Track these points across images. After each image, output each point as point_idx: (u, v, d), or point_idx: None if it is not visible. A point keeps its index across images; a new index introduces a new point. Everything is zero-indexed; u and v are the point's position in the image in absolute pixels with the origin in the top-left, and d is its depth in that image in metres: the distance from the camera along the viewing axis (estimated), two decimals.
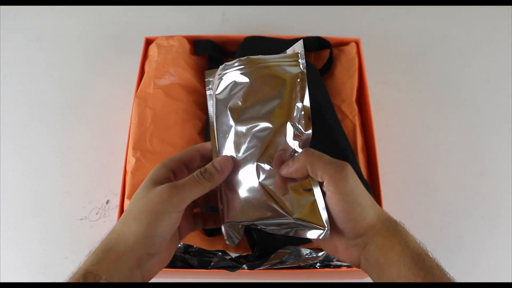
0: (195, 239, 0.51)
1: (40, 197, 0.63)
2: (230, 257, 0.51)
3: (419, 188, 0.65)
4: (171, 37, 0.65)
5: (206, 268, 0.51)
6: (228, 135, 0.37)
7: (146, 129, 0.57)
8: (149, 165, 0.55)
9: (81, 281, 0.30)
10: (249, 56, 0.39)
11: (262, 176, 0.36)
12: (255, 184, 0.36)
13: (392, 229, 0.34)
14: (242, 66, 0.38)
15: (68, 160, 0.66)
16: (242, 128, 0.36)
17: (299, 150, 0.36)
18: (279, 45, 0.62)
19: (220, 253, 0.51)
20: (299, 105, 0.36)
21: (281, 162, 0.35)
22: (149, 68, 0.62)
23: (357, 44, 0.67)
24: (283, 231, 0.36)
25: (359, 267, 0.36)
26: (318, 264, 0.52)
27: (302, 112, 0.36)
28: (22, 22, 0.78)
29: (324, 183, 0.33)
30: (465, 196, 0.64)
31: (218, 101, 0.38)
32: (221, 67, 0.40)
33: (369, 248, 0.34)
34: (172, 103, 0.59)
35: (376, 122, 0.61)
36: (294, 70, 0.37)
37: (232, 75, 0.38)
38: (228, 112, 0.37)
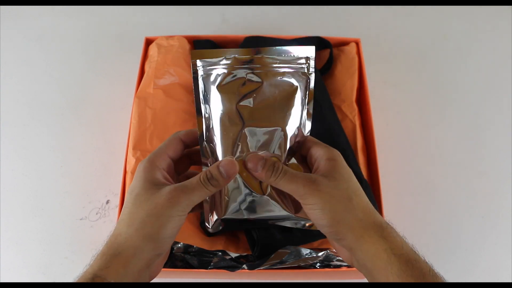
0: (195, 239, 0.51)
1: (40, 197, 0.63)
2: (230, 257, 0.51)
3: (419, 188, 0.65)
4: (171, 37, 0.65)
5: (206, 268, 0.51)
6: (232, 134, 0.37)
7: (146, 129, 0.57)
8: None
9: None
10: (259, 48, 0.38)
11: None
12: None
13: (377, 236, 0.33)
14: (253, 65, 0.38)
15: (68, 160, 0.66)
16: (249, 129, 0.37)
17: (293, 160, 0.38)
18: (279, 45, 0.62)
19: (220, 253, 0.51)
20: (305, 111, 0.37)
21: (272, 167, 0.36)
22: (149, 68, 0.62)
23: (357, 44, 0.67)
24: (281, 223, 0.38)
25: (353, 266, 0.36)
26: (318, 264, 0.52)
27: (306, 116, 0.38)
28: (22, 22, 0.78)
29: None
30: (465, 196, 0.64)
31: (222, 94, 0.37)
32: (226, 55, 0.38)
33: (355, 252, 0.34)
34: (172, 103, 0.59)
35: (376, 122, 0.61)
36: (305, 76, 0.38)
37: (242, 71, 0.38)
38: (237, 110, 0.37)
